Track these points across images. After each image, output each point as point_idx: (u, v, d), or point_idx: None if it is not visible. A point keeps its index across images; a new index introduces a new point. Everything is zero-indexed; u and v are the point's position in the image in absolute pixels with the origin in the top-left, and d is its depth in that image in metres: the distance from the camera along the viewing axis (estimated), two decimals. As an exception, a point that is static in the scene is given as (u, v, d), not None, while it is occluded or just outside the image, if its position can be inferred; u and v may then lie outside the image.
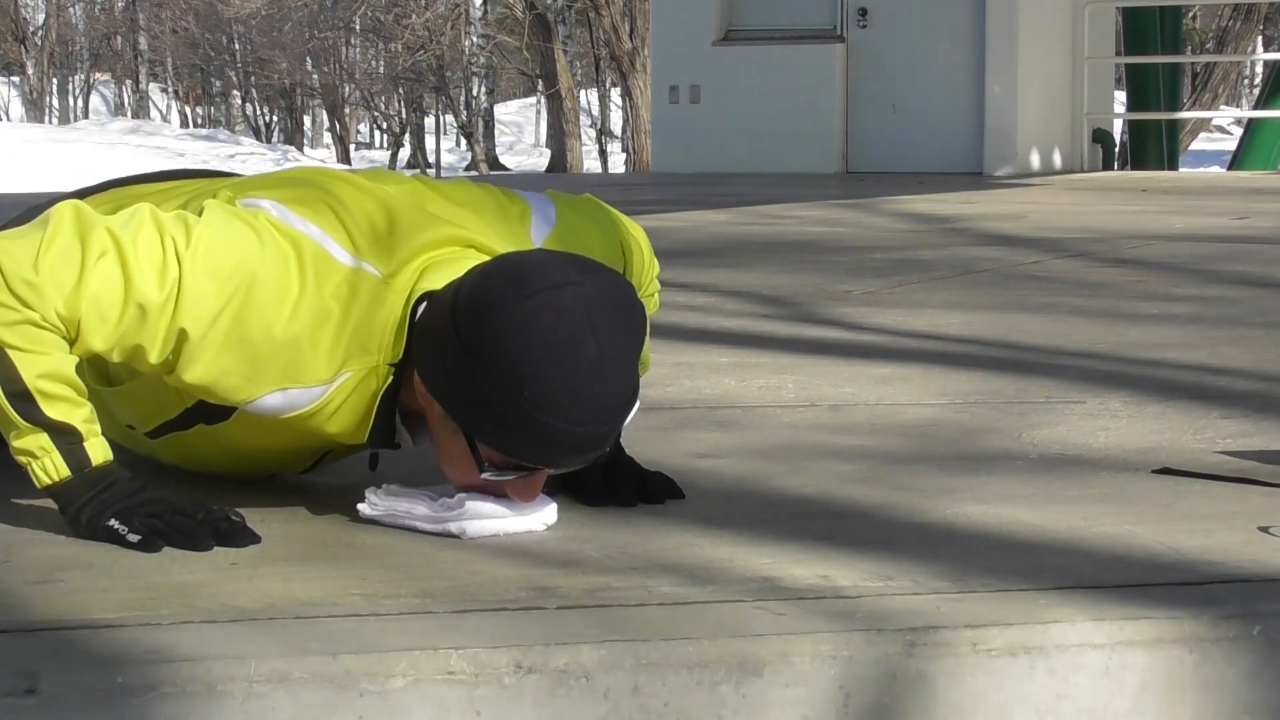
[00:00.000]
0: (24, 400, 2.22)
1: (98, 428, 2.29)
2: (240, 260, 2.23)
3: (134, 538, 2.24)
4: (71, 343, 2.23)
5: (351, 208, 2.34)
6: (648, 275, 2.70)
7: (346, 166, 33.61)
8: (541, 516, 2.35)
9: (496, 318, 2.18)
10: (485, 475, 2.28)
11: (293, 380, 2.28)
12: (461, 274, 2.27)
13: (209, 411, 2.41)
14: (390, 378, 2.31)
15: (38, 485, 2.27)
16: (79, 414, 2.26)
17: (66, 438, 2.25)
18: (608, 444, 2.27)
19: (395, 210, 2.36)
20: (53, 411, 2.23)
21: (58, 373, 2.23)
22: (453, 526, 2.30)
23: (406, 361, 2.30)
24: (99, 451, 2.28)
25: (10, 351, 2.20)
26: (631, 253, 2.64)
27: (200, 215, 2.28)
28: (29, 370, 2.21)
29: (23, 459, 2.26)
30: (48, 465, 2.26)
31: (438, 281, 2.28)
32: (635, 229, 2.69)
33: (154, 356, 2.25)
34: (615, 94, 34.04)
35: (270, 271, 2.24)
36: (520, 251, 2.35)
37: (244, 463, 2.55)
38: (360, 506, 2.38)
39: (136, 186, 2.64)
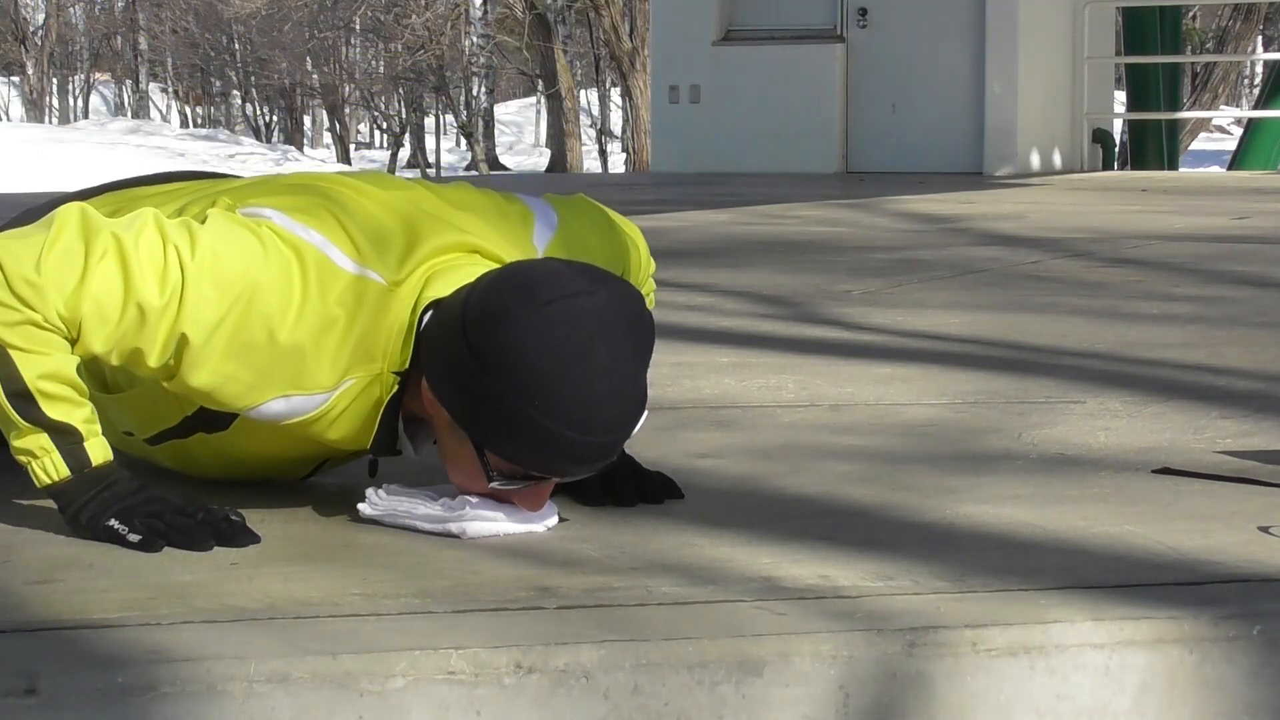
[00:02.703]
0: (24, 400, 2.22)
1: (98, 428, 2.29)
2: (244, 268, 2.23)
3: (134, 538, 2.24)
4: (73, 343, 2.23)
5: (355, 214, 2.34)
6: (645, 274, 2.70)
7: (346, 166, 33.67)
8: (542, 517, 2.35)
9: (508, 327, 2.18)
10: (493, 485, 2.28)
11: (296, 387, 2.28)
12: (468, 281, 2.27)
13: (209, 420, 2.41)
14: (395, 386, 2.31)
15: (38, 485, 2.27)
16: (79, 414, 2.26)
17: (67, 438, 2.25)
18: (615, 453, 2.27)
19: (399, 216, 2.36)
20: (53, 411, 2.24)
21: (59, 373, 2.23)
22: (453, 526, 2.30)
23: (411, 369, 2.30)
24: (99, 452, 2.28)
25: (11, 351, 2.21)
26: (629, 253, 2.64)
27: (204, 223, 2.28)
28: (30, 370, 2.21)
29: (23, 459, 2.26)
30: (48, 465, 2.26)
31: (444, 288, 2.28)
32: (632, 229, 2.69)
33: (153, 360, 2.25)
34: (615, 94, 34.03)
35: (273, 279, 2.24)
36: (531, 260, 2.35)
37: (243, 470, 2.55)
38: (360, 506, 2.38)
39: (137, 189, 2.64)
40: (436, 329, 2.25)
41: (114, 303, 2.21)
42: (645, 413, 2.28)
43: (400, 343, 2.28)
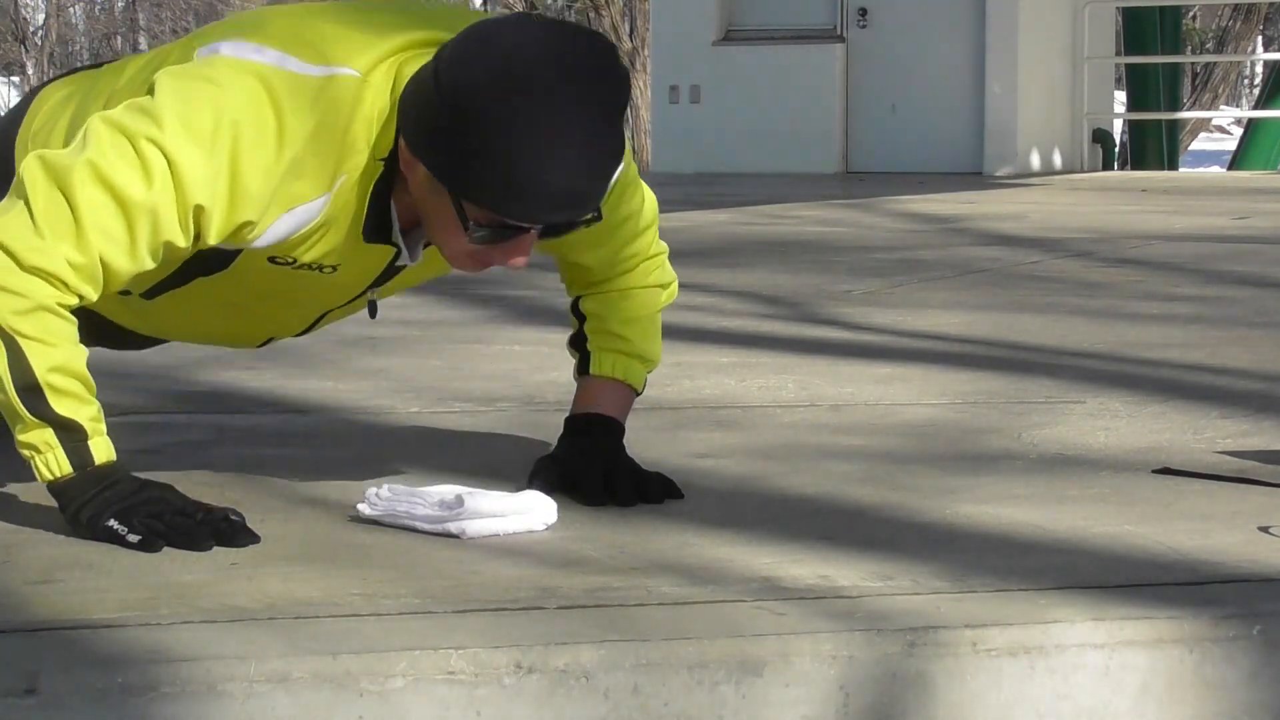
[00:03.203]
0: (33, 394, 2.22)
1: (104, 427, 2.28)
2: (214, 117, 2.22)
3: (134, 538, 2.23)
4: (104, 285, 2.22)
5: (308, 22, 2.34)
6: (630, 206, 2.59)
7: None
8: (541, 516, 2.35)
9: (474, 67, 2.18)
10: (472, 240, 2.26)
11: (296, 198, 2.28)
12: None
13: (207, 261, 2.39)
14: (381, 170, 2.30)
15: (40, 480, 2.27)
16: (86, 411, 2.26)
17: (71, 435, 2.25)
18: (589, 204, 2.25)
19: (358, 18, 2.36)
20: (60, 407, 2.23)
21: (69, 367, 2.23)
22: (452, 526, 2.30)
23: (396, 152, 2.30)
24: (103, 451, 2.27)
25: (22, 341, 2.20)
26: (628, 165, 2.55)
27: (152, 94, 2.26)
28: (41, 363, 2.21)
29: (26, 453, 2.26)
30: (50, 461, 2.26)
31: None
32: (648, 192, 2.65)
33: (184, 241, 2.25)
34: (615, 94, 34.01)
35: (246, 114, 2.23)
36: (500, 15, 2.35)
37: (242, 318, 2.52)
38: (360, 506, 2.38)
39: (86, 73, 2.62)
40: (409, 92, 2.26)
41: (117, 223, 2.20)
42: (621, 164, 2.28)
43: (380, 127, 2.28)
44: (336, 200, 2.30)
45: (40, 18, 44.44)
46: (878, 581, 2.09)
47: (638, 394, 2.67)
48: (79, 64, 46.42)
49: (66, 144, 2.37)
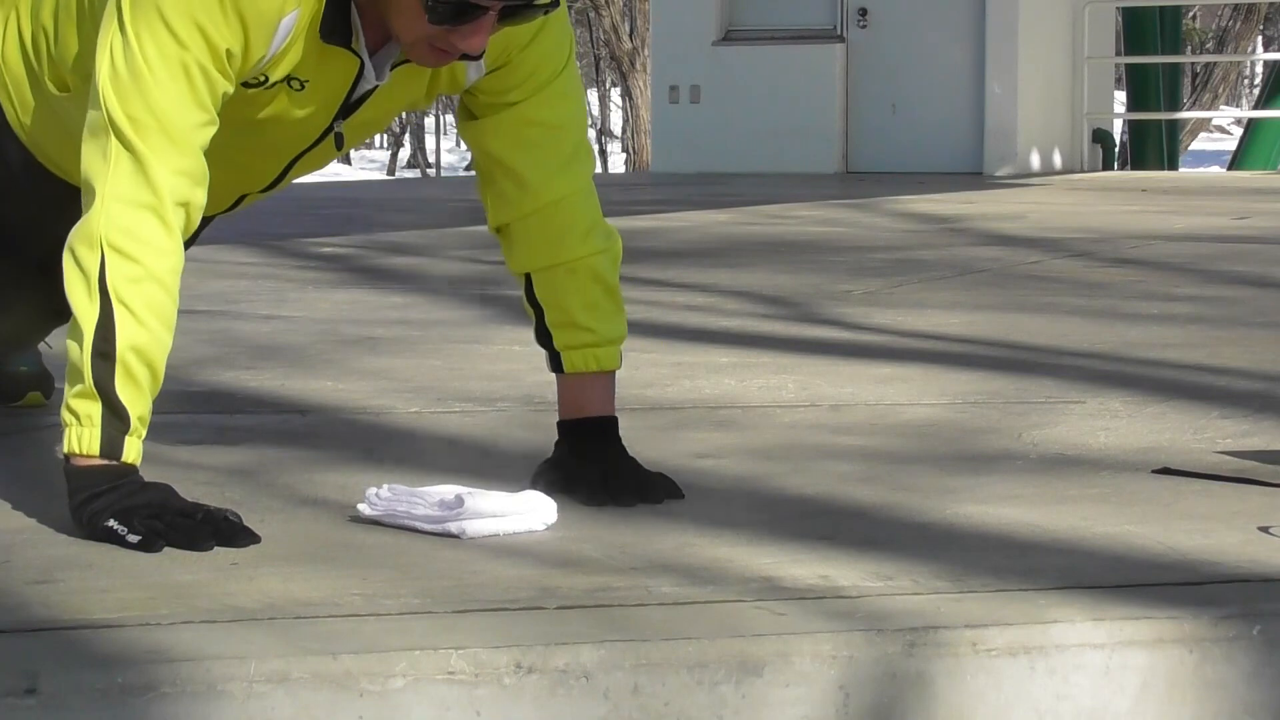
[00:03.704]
0: (105, 363, 2.23)
1: (144, 430, 2.29)
2: None
3: (134, 538, 2.23)
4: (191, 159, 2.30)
5: None
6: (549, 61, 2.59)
7: (346, 166, 33.59)
8: (541, 516, 2.35)
9: None
10: (432, 15, 2.30)
11: (284, 8, 2.33)
12: None
13: None
14: None
15: (65, 448, 2.27)
16: (139, 407, 2.27)
17: (116, 421, 2.25)
18: None
19: None
20: (122, 390, 2.24)
21: (148, 352, 2.25)
22: (452, 526, 2.30)
23: None
24: (133, 452, 2.28)
25: (118, 310, 2.23)
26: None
27: None
28: (125, 337, 2.23)
29: (68, 416, 2.26)
30: (85, 435, 2.25)
31: None
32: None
33: (230, 85, 2.34)
34: (615, 94, 34.03)
35: None
36: None
37: (215, 169, 2.50)
38: (360, 506, 2.38)
39: None
40: None
41: (179, 90, 2.28)
42: None
43: None
44: (305, 5, 2.34)
45: (40, 18, 44.25)
46: (878, 581, 2.09)
47: (617, 369, 2.65)
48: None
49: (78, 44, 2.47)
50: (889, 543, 2.28)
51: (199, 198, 2.32)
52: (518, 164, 2.57)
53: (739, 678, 1.87)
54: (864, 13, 13.47)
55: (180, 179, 2.29)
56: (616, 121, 35.01)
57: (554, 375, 2.63)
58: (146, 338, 2.25)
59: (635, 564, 2.18)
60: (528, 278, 2.61)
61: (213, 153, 2.40)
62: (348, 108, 2.49)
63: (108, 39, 2.31)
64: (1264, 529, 2.34)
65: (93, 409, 2.25)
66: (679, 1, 13.98)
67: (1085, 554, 2.23)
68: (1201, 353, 4.04)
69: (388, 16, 2.37)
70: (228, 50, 2.31)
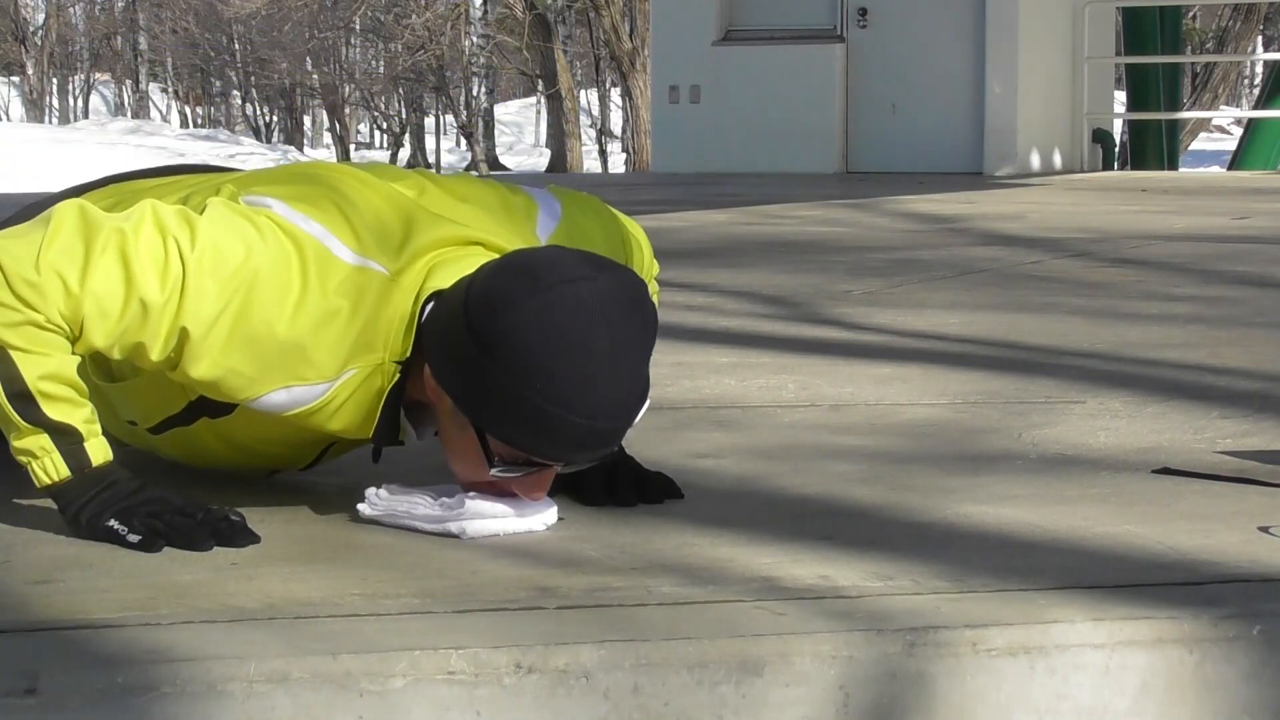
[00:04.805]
0: (25, 401, 2.22)
1: (98, 428, 2.28)
2: (243, 260, 2.23)
3: (134, 538, 2.24)
4: (74, 341, 2.23)
5: (359, 205, 2.34)
6: (648, 275, 2.70)
7: (346, 166, 33.54)
8: (542, 517, 2.35)
9: (510, 311, 2.18)
10: (494, 472, 2.28)
11: (297, 378, 2.28)
12: (470, 271, 2.27)
13: (212, 405, 2.41)
14: (397, 375, 2.31)
15: (38, 485, 2.27)
16: (79, 414, 2.26)
17: (67, 438, 2.25)
18: (617, 441, 2.27)
19: (402, 208, 2.36)
20: (54, 412, 2.23)
21: (59, 374, 2.23)
22: (453, 526, 2.30)
23: (413, 358, 2.30)
24: (99, 452, 2.27)
25: (12, 352, 2.20)
26: (632, 249, 2.64)
27: (203, 213, 2.27)
28: (31, 371, 2.21)
29: (23, 459, 2.26)
30: (48, 465, 2.26)
31: (446, 279, 2.28)
32: (637, 229, 2.69)
33: (155, 354, 2.25)
34: (615, 94, 34.03)
35: (272, 270, 2.24)
36: (534, 248, 2.35)
37: (247, 456, 2.54)
38: (360, 506, 2.38)
39: (137, 182, 2.64)
40: (439, 315, 2.26)
41: (115, 299, 2.20)
42: (647, 401, 2.28)
43: (402, 332, 2.28)
44: (339, 392, 2.31)
45: (40, 18, 44.41)
46: (878, 581, 2.09)
47: None
48: (79, 64, 46.47)
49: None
50: (889, 543, 2.28)
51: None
52: None
53: (739, 678, 1.87)
54: (864, 13, 13.47)
55: (57, 317, 2.21)
56: (616, 121, 35.01)
57: None
58: (50, 364, 2.22)
59: (635, 564, 2.18)
60: None
61: (244, 445, 2.45)
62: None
63: (147, 207, 2.25)
64: (1264, 529, 2.34)
65: (40, 440, 2.25)
66: (679, 1, 13.98)
67: (1085, 554, 2.23)
68: (1201, 353, 4.04)
69: (447, 450, 2.34)
70: (184, 329, 2.21)
